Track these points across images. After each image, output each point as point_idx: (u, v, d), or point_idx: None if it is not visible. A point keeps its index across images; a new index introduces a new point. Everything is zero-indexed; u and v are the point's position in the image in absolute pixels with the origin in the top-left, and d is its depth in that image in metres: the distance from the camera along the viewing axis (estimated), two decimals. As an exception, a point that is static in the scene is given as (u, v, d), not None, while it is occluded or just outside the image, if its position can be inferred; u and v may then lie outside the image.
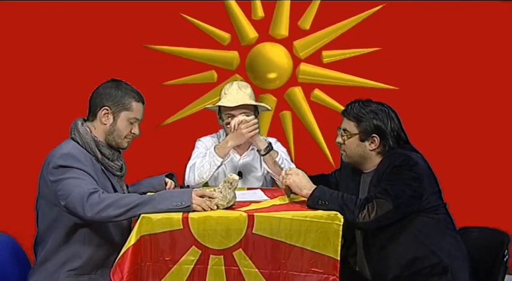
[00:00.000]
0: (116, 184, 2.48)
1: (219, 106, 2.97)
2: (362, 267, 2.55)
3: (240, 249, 2.19)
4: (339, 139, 2.56)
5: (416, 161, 2.39)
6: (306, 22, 4.12)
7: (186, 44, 4.12)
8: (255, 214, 2.20)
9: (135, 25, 4.06)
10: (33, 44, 4.08)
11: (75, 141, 2.41)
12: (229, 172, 2.93)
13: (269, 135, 3.25)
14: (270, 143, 2.89)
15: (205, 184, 2.89)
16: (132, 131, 2.49)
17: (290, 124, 4.21)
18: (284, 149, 3.06)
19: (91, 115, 2.47)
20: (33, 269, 2.43)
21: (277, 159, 2.86)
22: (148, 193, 2.51)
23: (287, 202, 2.47)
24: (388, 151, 2.48)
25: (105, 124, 2.45)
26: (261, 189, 2.77)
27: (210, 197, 2.26)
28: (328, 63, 4.15)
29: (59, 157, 2.31)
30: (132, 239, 2.14)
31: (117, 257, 2.15)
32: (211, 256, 2.19)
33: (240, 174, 2.96)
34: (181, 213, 2.18)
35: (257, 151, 2.91)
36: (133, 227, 2.19)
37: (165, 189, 2.69)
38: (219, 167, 2.86)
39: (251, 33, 4.14)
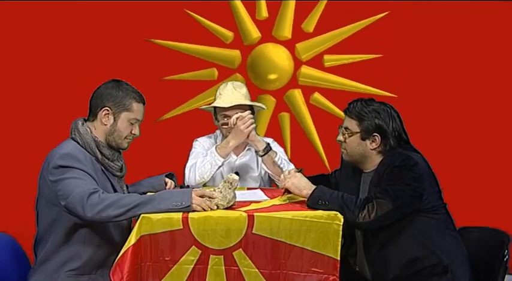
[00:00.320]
0: (115, 184, 2.48)
1: (214, 107, 2.97)
2: (362, 267, 2.55)
3: (240, 249, 2.19)
4: (340, 137, 2.55)
5: (416, 161, 2.38)
6: (310, 25, 4.13)
7: (188, 40, 4.13)
8: (255, 214, 2.20)
9: (139, 19, 4.07)
10: (33, 42, 4.08)
11: (75, 141, 2.41)
12: (227, 173, 2.93)
13: (267, 136, 3.26)
14: (268, 144, 2.89)
15: (204, 185, 2.89)
16: (133, 132, 2.49)
17: (288, 126, 4.22)
18: (281, 149, 3.06)
19: (91, 115, 2.47)
20: (33, 269, 2.43)
21: (276, 159, 2.87)
22: (148, 193, 2.51)
23: (287, 202, 2.47)
24: (389, 150, 2.48)
25: (105, 125, 2.45)
26: (261, 189, 2.77)
27: (210, 197, 2.26)
28: (329, 67, 4.16)
29: (59, 157, 2.31)
30: (132, 239, 2.14)
31: (117, 257, 2.15)
32: (211, 256, 2.19)
33: (237, 174, 2.96)
34: (181, 213, 2.18)
35: (256, 152, 2.91)
36: (133, 227, 2.19)
37: (165, 189, 2.69)
38: (220, 167, 2.86)
39: (254, 33, 4.15)
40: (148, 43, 4.10)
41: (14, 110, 4.10)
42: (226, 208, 2.29)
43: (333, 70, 4.16)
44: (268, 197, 2.55)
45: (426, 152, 2.51)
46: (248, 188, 2.86)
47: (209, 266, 2.19)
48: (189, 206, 2.20)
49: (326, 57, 4.15)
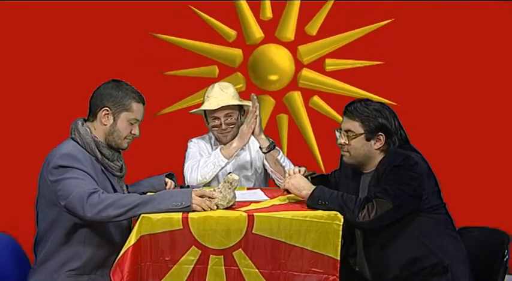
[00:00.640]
0: (115, 184, 2.47)
1: (203, 110, 2.97)
2: (362, 267, 2.55)
3: (240, 249, 2.19)
4: (342, 140, 2.51)
5: (416, 161, 2.38)
6: (313, 28, 4.14)
7: (191, 36, 4.14)
8: (255, 214, 2.20)
9: (143, 13, 4.07)
10: (33, 41, 4.09)
11: (75, 141, 2.40)
12: (220, 173, 2.94)
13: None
14: (272, 142, 2.89)
15: (207, 185, 2.90)
16: (132, 132, 2.49)
17: (286, 127, 4.23)
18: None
19: (91, 115, 2.47)
20: (33, 269, 2.43)
21: (278, 157, 2.87)
22: (148, 193, 2.51)
23: (287, 202, 2.47)
24: (392, 149, 2.47)
25: (105, 125, 2.44)
26: (261, 189, 2.77)
27: (210, 197, 2.26)
28: (330, 71, 4.17)
29: (59, 157, 2.31)
30: (132, 239, 2.14)
31: (117, 257, 2.15)
32: (211, 256, 2.19)
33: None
34: (181, 213, 2.18)
35: (259, 148, 2.91)
36: (133, 227, 2.19)
37: (165, 189, 2.69)
38: (222, 168, 2.86)
39: (257, 33, 4.16)
40: (150, 37, 4.10)
41: (14, 110, 4.10)
42: (226, 208, 2.29)
43: (333, 74, 4.17)
44: (268, 197, 2.55)
45: (426, 152, 2.51)
46: (248, 188, 2.86)
47: (209, 266, 2.19)
48: (189, 206, 2.20)
49: (328, 61, 4.16)
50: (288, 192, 2.49)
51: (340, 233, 2.21)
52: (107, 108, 2.43)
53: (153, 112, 4.07)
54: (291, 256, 2.21)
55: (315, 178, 2.71)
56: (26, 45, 4.08)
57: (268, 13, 4.15)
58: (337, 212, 2.25)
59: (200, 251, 2.18)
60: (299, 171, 2.54)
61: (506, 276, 2.47)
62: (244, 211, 2.23)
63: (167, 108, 4.16)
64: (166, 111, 4.16)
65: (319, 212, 2.26)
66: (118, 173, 2.50)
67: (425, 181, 2.37)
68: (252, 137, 2.91)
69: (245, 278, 2.20)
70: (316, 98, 4.20)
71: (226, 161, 2.86)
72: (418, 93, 4.06)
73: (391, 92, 3.99)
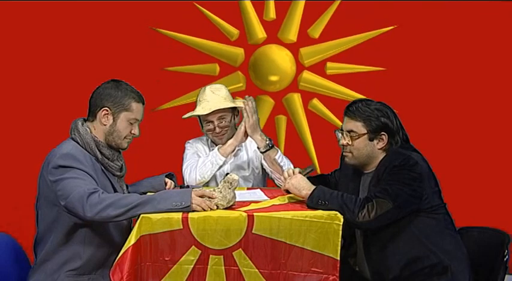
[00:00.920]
0: (115, 184, 2.48)
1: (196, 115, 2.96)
2: (362, 267, 2.55)
3: (240, 249, 2.19)
4: (344, 141, 2.50)
5: (416, 161, 2.38)
6: (316, 31, 4.15)
7: (193, 33, 4.14)
8: (254, 214, 2.20)
9: (146, 7, 4.07)
10: (33, 39, 4.09)
11: (75, 141, 2.40)
12: (218, 174, 2.94)
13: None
14: (270, 142, 2.89)
15: (207, 185, 2.90)
16: (132, 132, 2.49)
17: (284, 129, 4.24)
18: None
19: (91, 116, 2.47)
20: (33, 269, 2.43)
21: (276, 157, 2.87)
22: (148, 193, 2.51)
23: (287, 202, 2.46)
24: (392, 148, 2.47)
25: (104, 125, 2.44)
26: (260, 189, 2.77)
27: (209, 197, 2.26)
28: (331, 75, 4.18)
29: (59, 157, 2.31)
30: (132, 239, 2.14)
31: (117, 257, 2.14)
32: (211, 256, 2.19)
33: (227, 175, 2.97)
34: (181, 213, 2.18)
35: (257, 148, 2.91)
36: (133, 227, 2.19)
37: (165, 189, 2.69)
38: (221, 166, 2.86)
39: (260, 33, 4.17)
40: (153, 32, 4.11)
41: (14, 110, 4.10)
42: (226, 208, 2.29)
43: (334, 78, 4.18)
44: (268, 197, 2.55)
45: (426, 152, 2.51)
46: (248, 188, 2.86)
47: (209, 266, 2.19)
48: (188, 206, 2.20)
49: (329, 64, 4.17)
50: (288, 192, 2.49)
51: (340, 233, 2.20)
52: (106, 108, 2.43)
53: (152, 107, 4.07)
54: (291, 256, 2.20)
55: (315, 178, 2.71)
56: (25, 42, 4.08)
57: (271, 14, 4.16)
58: (337, 212, 2.25)
59: (200, 251, 2.18)
60: (293, 172, 2.53)
61: (506, 276, 2.47)
62: (244, 211, 2.23)
63: (166, 104, 4.16)
64: (165, 107, 4.16)
65: (319, 212, 2.26)
66: (118, 173, 2.50)
67: (425, 181, 2.37)
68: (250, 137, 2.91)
69: (245, 278, 2.20)
70: (315, 101, 4.21)
71: (223, 159, 2.86)
72: (418, 99, 4.07)
73: (391, 98, 3.94)
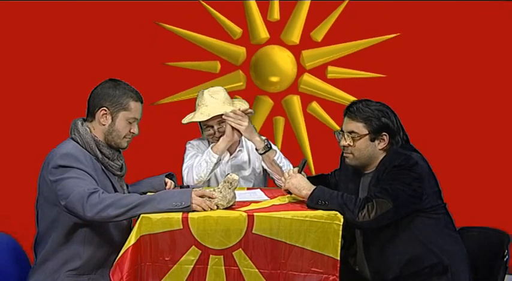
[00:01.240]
0: (116, 183, 2.47)
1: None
2: (362, 267, 2.55)
3: (240, 249, 2.19)
4: (345, 142, 2.49)
5: (416, 161, 2.38)
6: (319, 34, 4.16)
7: (197, 29, 4.14)
8: (254, 214, 2.20)
9: (150, 2, 4.07)
10: (33, 38, 4.08)
11: (75, 141, 2.40)
12: (219, 174, 2.94)
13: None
14: (268, 143, 2.89)
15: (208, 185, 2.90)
16: (131, 131, 2.49)
17: (281, 130, 4.24)
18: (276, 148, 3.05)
19: (90, 116, 2.47)
20: (33, 269, 2.42)
21: (275, 158, 2.87)
22: (148, 193, 2.51)
23: (287, 202, 2.47)
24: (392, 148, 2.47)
25: (103, 125, 2.44)
26: (260, 189, 2.77)
27: (210, 197, 2.26)
28: (331, 79, 4.19)
29: (59, 156, 2.31)
30: (132, 239, 2.14)
31: (117, 257, 2.15)
32: (211, 256, 2.19)
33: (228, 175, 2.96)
34: (181, 213, 2.18)
35: (255, 149, 2.91)
36: (133, 227, 2.19)
37: (165, 189, 2.69)
38: (216, 164, 2.84)
39: (263, 33, 4.17)
40: (156, 26, 4.11)
41: (14, 110, 4.09)
42: (226, 208, 2.29)
43: (334, 82, 4.18)
44: (268, 197, 2.55)
45: (426, 152, 2.51)
46: (248, 188, 2.86)
47: (209, 266, 2.19)
48: (189, 206, 2.20)
49: (330, 68, 4.18)
50: (289, 192, 2.49)
51: (340, 233, 2.21)
52: (104, 108, 2.43)
53: (152, 101, 4.07)
54: (291, 256, 2.20)
55: (315, 178, 2.71)
56: (24, 38, 4.07)
57: (275, 15, 4.17)
58: (337, 212, 2.25)
59: (200, 251, 2.18)
60: (293, 172, 2.53)
61: (506, 276, 2.47)
62: (244, 211, 2.23)
63: (165, 99, 4.15)
64: (164, 102, 4.16)
65: (319, 212, 2.26)
66: (118, 172, 2.50)
67: (425, 181, 2.37)
68: None
69: (245, 278, 2.20)
70: (314, 104, 4.22)
71: (217, 156, 2.83)
72: (418, 103, 4.06)
73: (390, 104, 4.00)
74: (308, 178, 2.49)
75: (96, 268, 2.40)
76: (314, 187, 2.39)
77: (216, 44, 4.18)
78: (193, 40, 4.16)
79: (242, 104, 2.99)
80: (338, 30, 4.12)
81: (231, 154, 3.03)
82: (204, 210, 2.22)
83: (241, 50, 4.19)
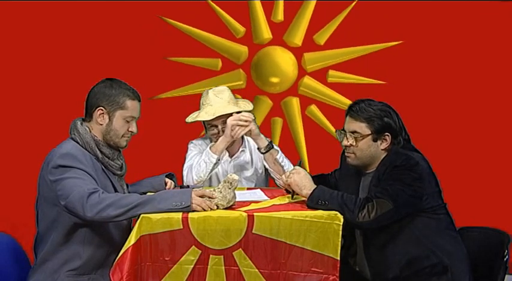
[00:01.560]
0: (116, 183, 2.47)
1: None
2: (362, 267, 2.55)
3: (240, 249, 2.19)
4: (348, 142, 2.48)
5: (416, 161, 2.38)
6: (322, 38, 4.16)
7: (199, 26, 4.14)
8: (255, 214, 2.20)
9: None
10: (33, 38, 4.07)
11: (75, 141, 2.40)
12: (221, 174, 2.94)
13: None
14: (270, 142, 2.89)
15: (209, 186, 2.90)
16: (130, 130, 2.48)
17: (279, 131, 4.24)
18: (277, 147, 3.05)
19: (87, 116, 2.47)
20: (33, 269, 2.43)
21: (277, 157, 2.87)
22: (148, 193, 2.51)
23: (287, 202, 2.47)
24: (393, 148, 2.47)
25: (101, 124, 2.44)
26: (261, 189, 2.77)
27: (210, 197, 2.26)
28: (332, 83, 4.18)
29: (59, 156, 2.31)
30: (132, 239, 2.15)
31: (117, 257, 2.15)
32: (211, 256, 2.19)
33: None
34: (181, 213, 2.18)
35: (258, 148, 2.91)
36: (133, 227, 2.19)
37: (165, 189, 2.69)
38: (215, 164, 2.84)
39: (266, 33, 4.18)
40: (159, 21, 4.10)
41: (14, 111, 4.09)
42: (226, 208, 2.29)
43: (334, 86, 4.18)
44: (268, 197, 2.55)
45: (426, 152, 2.51)
46: (248, 188, 2.86)
47: (209, 266, 2.19)
48: (189, 206, 2.20)
49: (331, 72, 4.18)
50: (288, 192, 2.48)
51: (340, 233, 2.21)
52: (101, 107, 2.42)
53: (151, 95, 4.06)
54: (291, 256, 2.21)
55: (315, 178, 2.70)
56: (24, 38, 4.06)
57: (279, 16, 4.17)
58: (337, 212, 2.25)
59: (200, 251, 2.18)
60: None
61: (506, 276, 2.47)
62: (244, 211, 2.23)
63: (164, 93, 4.15)
64: (163, 97, 4.15)
65: (319, 212, 2.26)
66: (118, 172, 2.50)
67: (425, 181, 2.37)
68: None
69: (245, 278, 2.20)
70: (313, 107, 4.22)
71: (216, 156, 2.82)
72: (417, 107, 4.04)
73: None
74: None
75: (96, 268, 2.40)
76: (315, 186, 2.39)
77: (219, 42, 4.18)
78: (195, 36, 4.15)
79: (246, 104, 3.00)
80: (341, 35, 4.12)
81: (233, 154, 3.03)
82: (204, 210, 2.22)
83: (243, 49, 4.19)
